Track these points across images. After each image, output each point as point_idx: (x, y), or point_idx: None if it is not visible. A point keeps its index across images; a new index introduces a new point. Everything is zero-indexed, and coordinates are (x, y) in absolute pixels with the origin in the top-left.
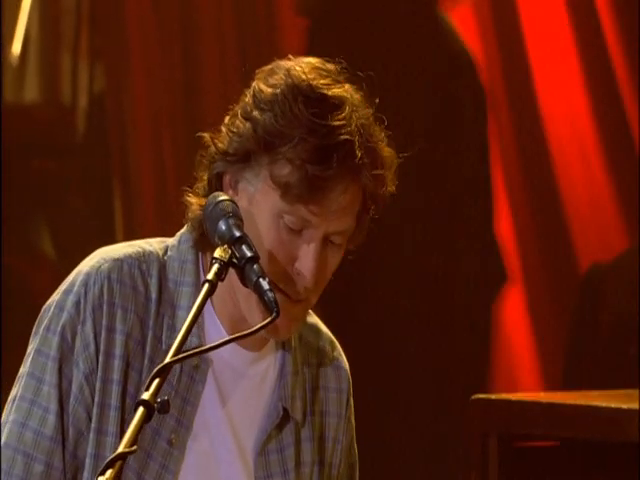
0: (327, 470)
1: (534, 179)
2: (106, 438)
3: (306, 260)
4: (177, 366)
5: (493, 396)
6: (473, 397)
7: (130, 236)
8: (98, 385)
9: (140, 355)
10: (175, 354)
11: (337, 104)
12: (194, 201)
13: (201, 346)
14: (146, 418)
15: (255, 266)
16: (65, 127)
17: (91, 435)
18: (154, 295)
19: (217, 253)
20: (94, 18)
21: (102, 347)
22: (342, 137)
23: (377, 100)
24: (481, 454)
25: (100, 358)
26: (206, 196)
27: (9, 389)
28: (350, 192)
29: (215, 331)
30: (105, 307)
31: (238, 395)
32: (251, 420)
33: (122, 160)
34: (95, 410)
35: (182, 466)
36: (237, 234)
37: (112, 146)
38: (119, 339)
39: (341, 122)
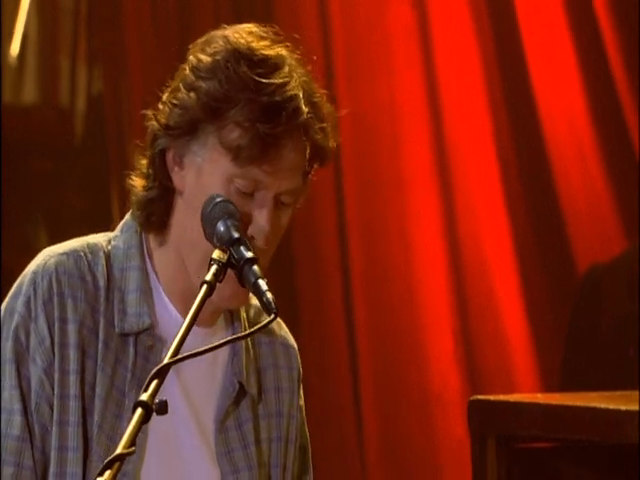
0: (285, 446)
1: (532, 180)
2: (68, 428)
3: (260, 223)
4: (131, 348)
5: (492, 397)
6: (472, 398)
7: None
8: (57, 377)
9: (94, 342)
10: (173, 354)
11: (279, 63)
12: (137, 183)
13: (153, 326)
14: (144, 419)
15: (254, 267)
16: (63, 129)
17: (54, 428)
18: (102, 283)
19: (215, 254)
20: (92, 20)
21: (57, 339)
22: (288, 93)
23: (315, 58)
24: (480, 455)
25: (56, 350)
26: (149, 177)
27: None
28: (300, 148)
29: (165, 310)
30: (56, 299)
31: (193, 372)
32: (208, 397)
33: (120, 162)
34: (56, 402)
35: (145, 448)
36: (235, 235)
37: (110, 148)
38: (72, 328)
39: (285, 79)
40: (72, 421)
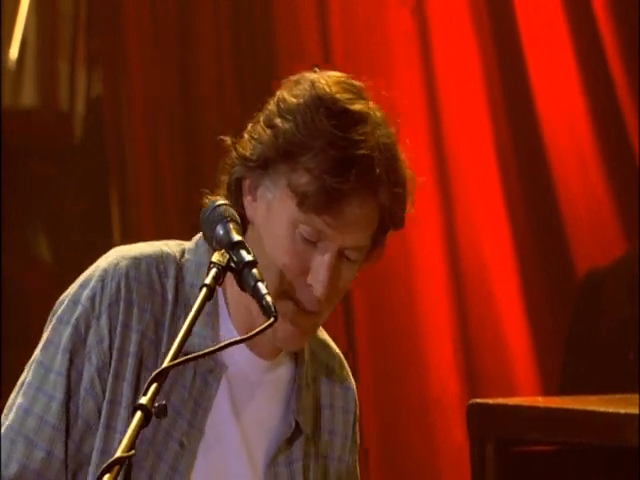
0: None
1: (532, 186)
2: (115, 435)
3: (319, 272)
4: (191, 369)
5: (491, 401)
6: (471, 402)
7: (127, 240)
8: (110, 381)
9: (153, 355)
10: (173, 357)
11: (359, 119)
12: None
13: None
14: (144, 423)
15: (253, 270)
16: (62, 132)
17: (100, 430)
18: (170, 296)
19: (215, 257)
20: (91, 22)
21: (117, 343)
22: (361, 151)
23: (399, 120)
24: (479, 459)
25: (114, 354)
26: (226, 200)
27: (8, 389)
28: (366, 207)
29: (229, 336)
30: (122, 304)
31: (250, 402)
32: (262, 429)
33: (119, 165)
34: (105, 406)
35: (192, 469)
36: (235, 238)
37: (109, 151)
38: (134, 337)
39: (361, 137)
40: (120, 429)
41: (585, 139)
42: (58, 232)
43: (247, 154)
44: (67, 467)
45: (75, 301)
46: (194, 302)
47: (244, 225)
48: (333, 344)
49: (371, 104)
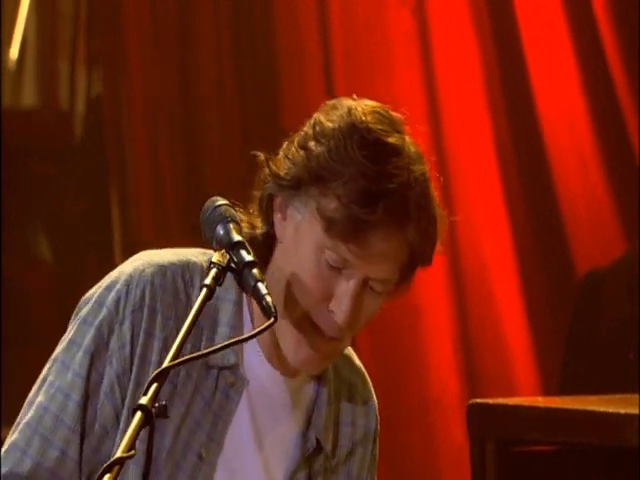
0: None
1: (532, 185)
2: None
3: (341, 300)
4: (213, 381)
5: (491, 401)
6: (471, 402)
7: (127, 241)
8: (131, 388)
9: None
10: (174, 358)
11: (392, 152)
12: (244, 218)
13: (238, 365)
14: (144, 423)
15: (254, 270)
16: (62, 132)
17: (118, 436)
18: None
19: (215, 257)
20: (92, 22)
21: (139, 350)
22: (392, 185)
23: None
24: (479, 459)
25: (135, 361)
26: (258, 216)
27: (8, 390)
28: (392, 241)
29: (253, 352)
30: (146, 311)
31: (269, 418)
32: (281, 445)
33: (119, 164)
34: (125, 413)
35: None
36: (235, 238)
37: (109, 150)
38: (156, 345)
39: (393, 170)
40: (139, 436)
41: (585, 139)
42: (58, 232)
43: (280, 173)
44: (81, 469)
45: (101, 303)
46: (218, 316)
47: (272, 243)
48: (356, 358)
49: (407, 138)
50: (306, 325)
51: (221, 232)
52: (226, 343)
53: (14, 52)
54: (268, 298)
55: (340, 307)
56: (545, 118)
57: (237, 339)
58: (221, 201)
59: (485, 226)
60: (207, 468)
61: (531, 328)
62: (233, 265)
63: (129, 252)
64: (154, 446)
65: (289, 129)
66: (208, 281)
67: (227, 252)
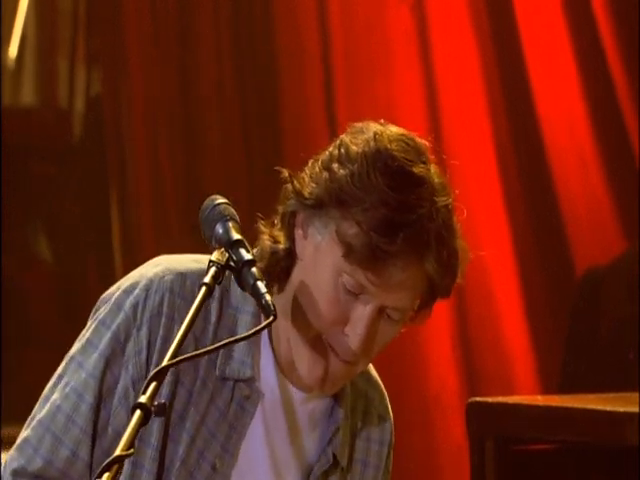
0: None
1: (532, 185)
2: (147, 450)
3: (357, 324)
4: (228, 392)
5: (490, 399)
6: (470, 400)
7: (126, 241)
8: None
9: (191, 375)
10: (172, 356)
11: (415, 182)
12: (266, 231)
13: (254, 379)
14: (143, 421)
15: (253, 269)
16: (62, 131)
17: None
18: (213, 318)
19: (214, 256)
20: (91, 21)
21: (155, 357)
22: (413, 216)
23: (457, 191)
24: (478, 458)
25: (151, 367)
26: (280, 230)
27: (8, 390)
28: (411, 271)
29: (268, 365)
30: (164, 318)
31: (284, 432)
32: (294, 460)
33: (119, 164)
34: None
35: None
36: (235, 237)
37: (109, 151)
38: None
39: (416, 201)
40: (152, 444)
41: (585, 139)
42: (58, 232)
43: (303, 191)
44: (92, 471)
45: (119, 306)
46: (236, 328)
47: (293, 258)
48: (374, 372)
49: (432, 168)
50: (321, 345)
51: (220, 230)
52: (225, 342)
53: (13, 50)
54: (267, 296)
55: (355, 331)
56: (545, 118)
57: (236, 338)
58: (220, 199)
59: (485, 226)
60: (221, 479)
61: (531, 328)
62: (232, 264)
63: (129, 252)
64: (167, 456)
65: (289, 129)
66: (207, 280)
67: (226, 250)
